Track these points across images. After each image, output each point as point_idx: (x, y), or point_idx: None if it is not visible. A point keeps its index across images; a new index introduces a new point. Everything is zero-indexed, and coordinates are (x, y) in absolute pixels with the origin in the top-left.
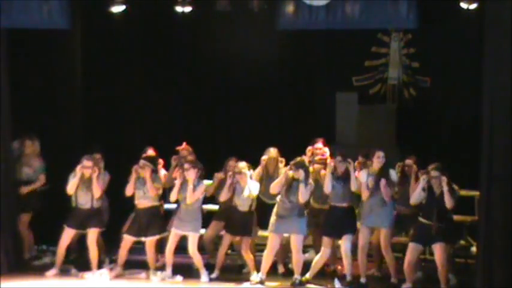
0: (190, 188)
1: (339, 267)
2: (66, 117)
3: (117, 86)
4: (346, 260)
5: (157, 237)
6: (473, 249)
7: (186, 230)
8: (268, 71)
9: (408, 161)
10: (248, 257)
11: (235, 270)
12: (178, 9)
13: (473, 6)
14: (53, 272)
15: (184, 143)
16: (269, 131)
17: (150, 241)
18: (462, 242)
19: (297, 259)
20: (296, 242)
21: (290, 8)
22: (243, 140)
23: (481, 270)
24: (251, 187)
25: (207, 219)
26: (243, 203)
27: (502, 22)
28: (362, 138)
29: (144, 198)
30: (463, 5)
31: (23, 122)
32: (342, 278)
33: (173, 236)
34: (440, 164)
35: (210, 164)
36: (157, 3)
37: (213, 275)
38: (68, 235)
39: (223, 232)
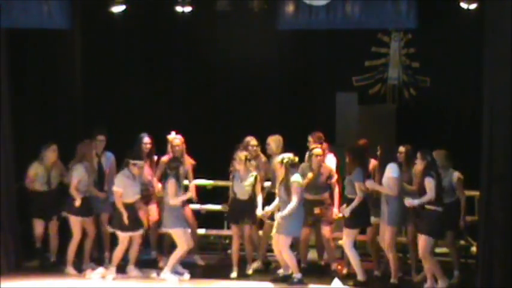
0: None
1: (339, 266)
2: (66, 117)
3: (117, 86)
4: (349, 258)
5: (130, 234)
6: (473, 249)
7: (165, 227)
8: (268, 71)
9: (401, 148)
10: (249, 247)
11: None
12: (178, 9)
13: (473, 6)
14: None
15: (173, 132)
16: (269, 131)
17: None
18: (462, 242)
19: (287, 258)
20: (282, 242)
21: (290, 8)
22: (243, 139)
23: (481, 270)
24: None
25: (207, 218)
26: (242, 191)
27: (502, 22)
28: (362, 138)
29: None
30: (463, 5)
31: (23, 122)
32: (344, 277)
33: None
34: (426, 152)
35: (209, 163)
36: (157, 3)
37: (249, 271)
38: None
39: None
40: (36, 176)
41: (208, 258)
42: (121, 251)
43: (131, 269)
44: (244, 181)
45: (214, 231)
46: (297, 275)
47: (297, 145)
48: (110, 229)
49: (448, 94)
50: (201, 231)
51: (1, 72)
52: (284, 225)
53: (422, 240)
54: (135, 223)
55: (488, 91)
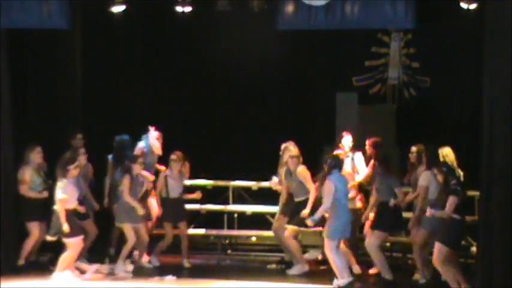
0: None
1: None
2: (66, 117)
3: (117, 86)
4: (374, 258)
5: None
6: (473, 249)
7: (116, 222)
8: (268, 71)
9: (413, 148)
10: (185, 243)
11: (237, 270)
12: (178, 9)
13: (473, 6)
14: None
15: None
16: (269, 131)
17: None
18: (462, 242)
19: (331, 262)
20: (326, 245)
21: (290, 8)
22: (243, 139)
23: (481, 270)
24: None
25: (207, 218)
26: (174, 190)
27: (502, 22)
28: (362, 138)
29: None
30: (463, 5)
31: (23, 123)
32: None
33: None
34: (442, 164)
35: (209, 162)
36: (157, 3)
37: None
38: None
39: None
40: (32, 178)
41: (208, 258)
42: (69, 257)
43: (68, 274)
44: (177, 180)
45: (214, 231)
46: (339, 281)
47: (297, 145)
48: (50, 237)
49: (448, 94)
50: (201, 231)
51: (1, 72)
52: (327, 229)
53: (437, 248)
54: (79, 229)
55: (488, 91)
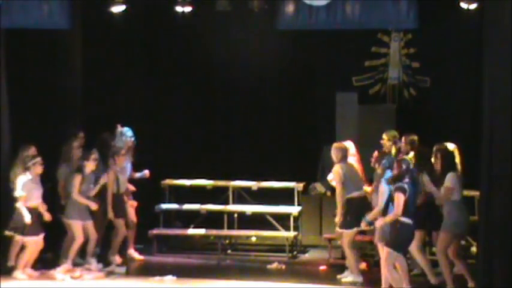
0: None
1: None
2: (66, 117)
3: (117, 86)
4: (418, 260)
5: (33, 238)
6: (473, 249)
7: (66, 217)
8: (268, 70)
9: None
10: (121, 240)
11: (237, 270)
12: (178, 9)
13: (473, 6)
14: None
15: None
16: (269, 131)
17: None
18: (462, 242)
19: (383, 272)
20: (383, 254)
21: (290, 8)
22: (243, 139)
23: (481, 270)
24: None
25: (207, 218)
26: (123, 185)
27: (502, 22)
28: (362, 138)
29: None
30: (463, 5)
31: (22, 123)
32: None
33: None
34: (403, 160)
35: (209, 161)
36: (157, 4)
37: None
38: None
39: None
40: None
41: (208, 258)
42: (29, 254)
43: (23, 273)
44: (124, 175)
45: (214, 231)
46: None
47: (296, 145)
48: (8, 233)
49: (448, 94)
50: (201, 231)
51: (0, 72)
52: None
53: (385, 250)
54: (39, 227)
55: (488, 91)
